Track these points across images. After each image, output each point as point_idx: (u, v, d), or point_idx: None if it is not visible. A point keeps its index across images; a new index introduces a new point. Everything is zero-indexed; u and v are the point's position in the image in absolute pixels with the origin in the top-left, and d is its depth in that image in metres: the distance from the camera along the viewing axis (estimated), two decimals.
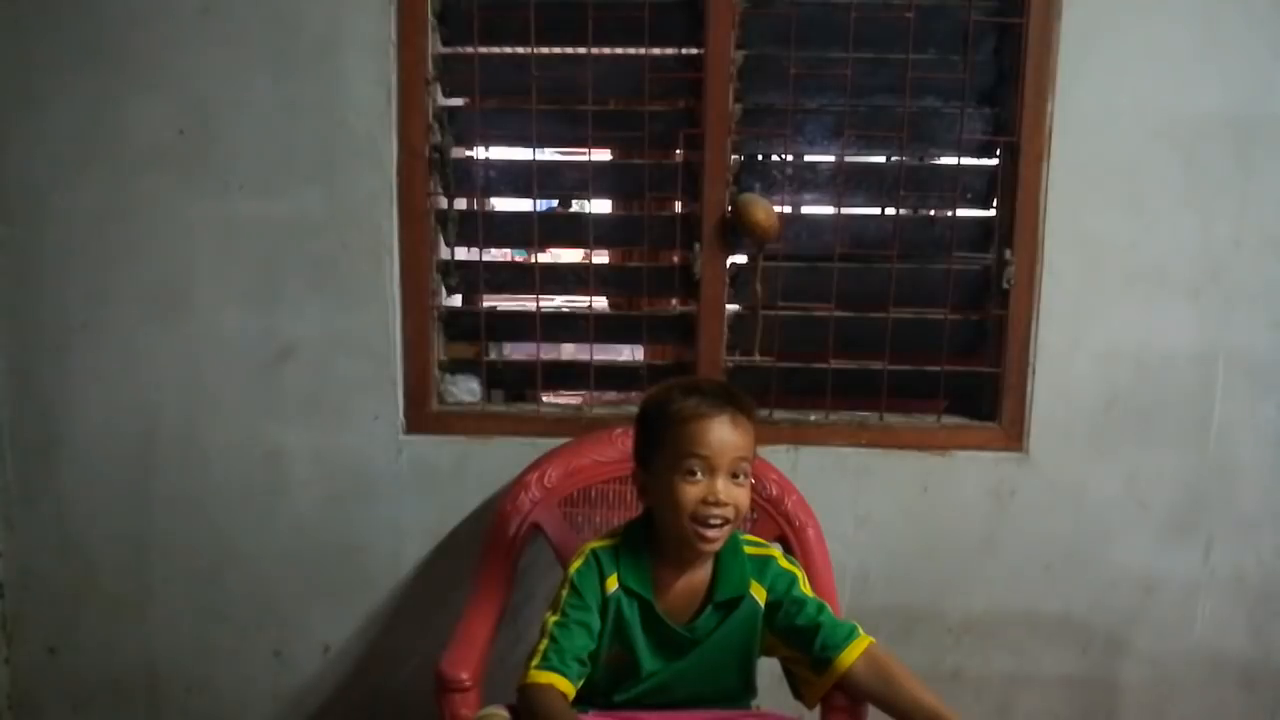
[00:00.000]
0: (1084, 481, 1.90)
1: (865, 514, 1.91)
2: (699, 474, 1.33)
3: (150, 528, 1.97)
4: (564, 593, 1.40)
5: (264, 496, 1.94)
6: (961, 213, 1.92)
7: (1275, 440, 1.90)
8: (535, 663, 1.33)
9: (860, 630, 1.42)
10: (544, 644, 1.35)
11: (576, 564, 1.41)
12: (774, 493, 1.75)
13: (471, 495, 1.93)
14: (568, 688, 1.32)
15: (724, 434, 1.33)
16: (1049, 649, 1.96)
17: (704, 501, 1.33)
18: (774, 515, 1.74)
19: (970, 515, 1.92)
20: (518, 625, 1.90)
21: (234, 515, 1.95)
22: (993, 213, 1.90)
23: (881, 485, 1.91)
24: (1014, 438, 1.89)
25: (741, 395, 1.40)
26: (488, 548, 1.73)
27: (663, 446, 1.36)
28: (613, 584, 1.40)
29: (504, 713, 1.37)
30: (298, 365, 1.90)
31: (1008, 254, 1.84)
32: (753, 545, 1.48)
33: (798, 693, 1.49)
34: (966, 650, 1.96)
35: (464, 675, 1.48)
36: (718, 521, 1.34)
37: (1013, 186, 1.84)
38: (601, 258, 2.10)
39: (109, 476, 1.95)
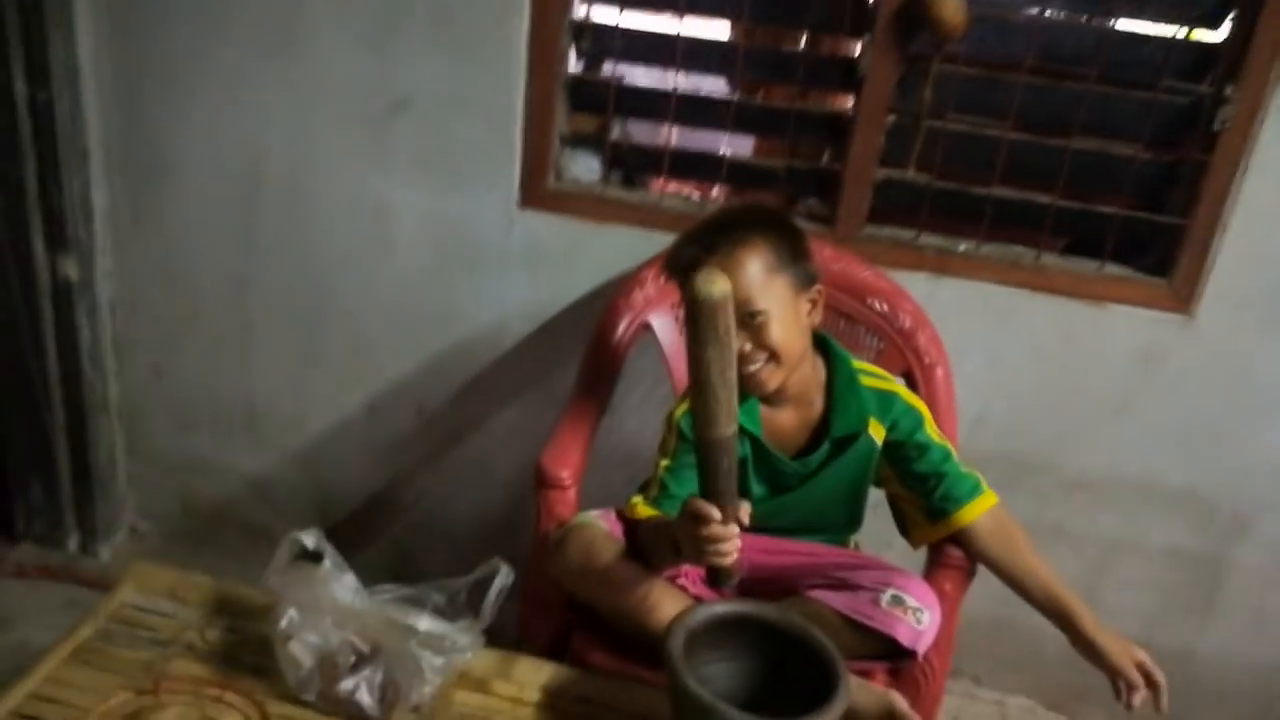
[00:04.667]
0: (1251, 356, 1.71)
1: (998, 356, 1.77)
2: None
3: (252, 268, 1.93)
4: (672, 440, 1.32)
5: (368, 252, 1.88)
6: (1183, 33, 1.63)
7: None
8: (645, 500, 1.28)
9: (985, 485, 1.35)
10: (654, 491, 1.31)
11: (683, 408, 1.33)
12: (907, 325, 1.62)
13: (581, 281, 1.83)
14: None
15: None
16: (1162, 519, 1.85)
17: None
18: (904, 349, 1.62)
19: (1112, 373, 1.76)
20: (615, 418, 1.85)
21: (336, 267, 1.90)
22: (1221, 36, 1.61)
23: (1022, 328, 1.76)
24: (1182, 299, 1.70)
25: (741, 227, 1.26)
26: (595, 343, 1.64)
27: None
28: None
29: (603, 524, 1.34)
30: (411, 120, 1.76)
31: (1228, 90, 1.57)
32: (873, 377, 1.38)
33: (904, 530, 1.44)
34: (1075, 507, 1.87)
35: (564, 473, 1.44)
36: (752, 369, 1.25)
37: (1255, 4, 1.54)
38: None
39: (214, 211, 1.90)
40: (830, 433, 1.35)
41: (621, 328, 1.63)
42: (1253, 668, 1.95)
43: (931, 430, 1.38)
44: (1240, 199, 1.62)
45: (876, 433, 1.36)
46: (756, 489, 1.37)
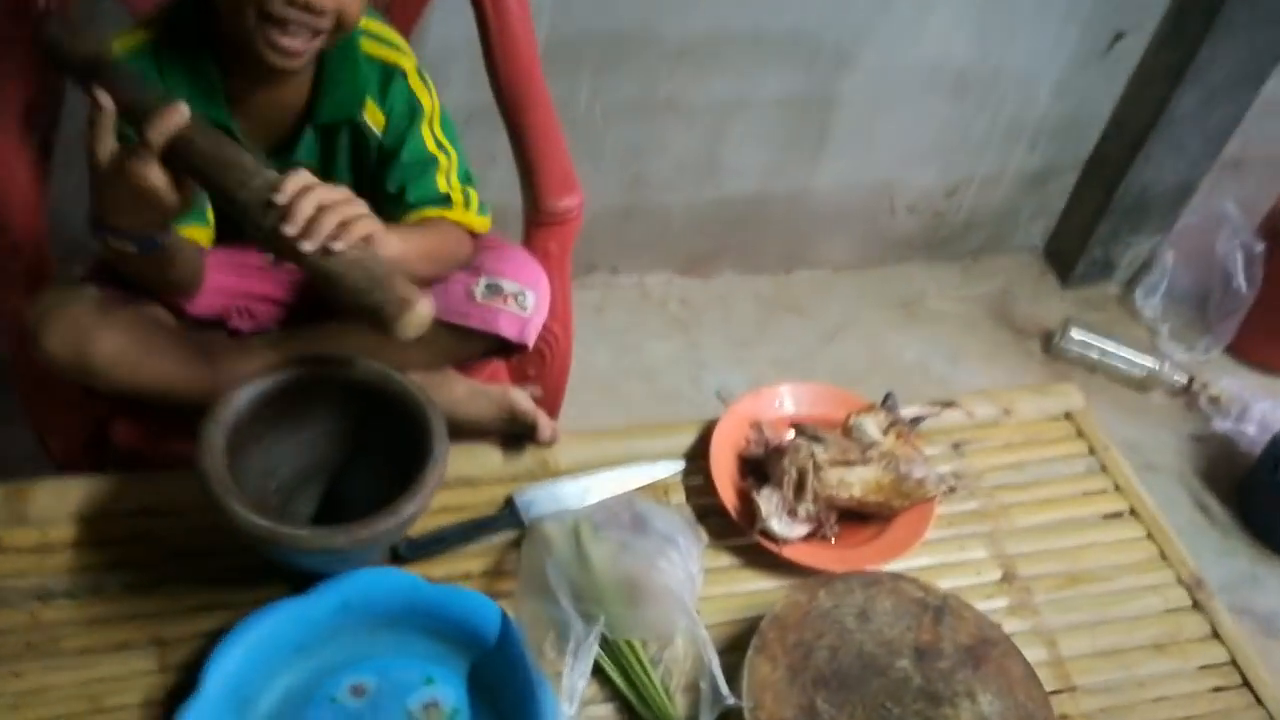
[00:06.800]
0: None
1: None
2: None
3: None
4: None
5: None
6: None
7: None
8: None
9: (468, 207, 1.07)
10: None
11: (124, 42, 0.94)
12: None
13: None
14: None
15: None
16: (771, 70, 1.74)
17: None
18: None
19: None
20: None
21: None
22: None
23: None
24: None
25: None
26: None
27: None
28: None
29: (89, 291, 0.98)
30: None
31: None
32: (380, 44, 1.02)
33: None
34: (682, 78, 1.69)
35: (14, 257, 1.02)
36: (302, 32, 0.88)
37: None
38: None
39: None
40: (314, 117, 1.01)
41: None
42: (864, 189, 2.01)
43: (430, 131, 1.04)
44: None
45: (375, 120, 1.03)
46: None
